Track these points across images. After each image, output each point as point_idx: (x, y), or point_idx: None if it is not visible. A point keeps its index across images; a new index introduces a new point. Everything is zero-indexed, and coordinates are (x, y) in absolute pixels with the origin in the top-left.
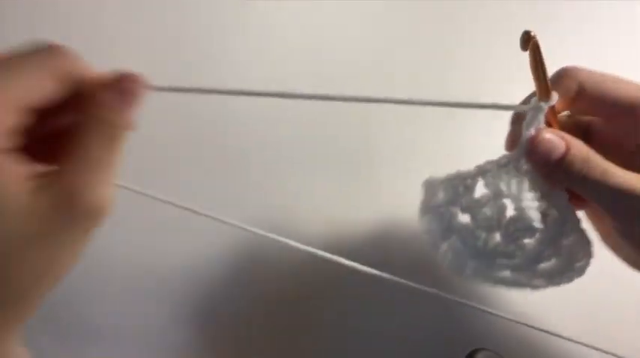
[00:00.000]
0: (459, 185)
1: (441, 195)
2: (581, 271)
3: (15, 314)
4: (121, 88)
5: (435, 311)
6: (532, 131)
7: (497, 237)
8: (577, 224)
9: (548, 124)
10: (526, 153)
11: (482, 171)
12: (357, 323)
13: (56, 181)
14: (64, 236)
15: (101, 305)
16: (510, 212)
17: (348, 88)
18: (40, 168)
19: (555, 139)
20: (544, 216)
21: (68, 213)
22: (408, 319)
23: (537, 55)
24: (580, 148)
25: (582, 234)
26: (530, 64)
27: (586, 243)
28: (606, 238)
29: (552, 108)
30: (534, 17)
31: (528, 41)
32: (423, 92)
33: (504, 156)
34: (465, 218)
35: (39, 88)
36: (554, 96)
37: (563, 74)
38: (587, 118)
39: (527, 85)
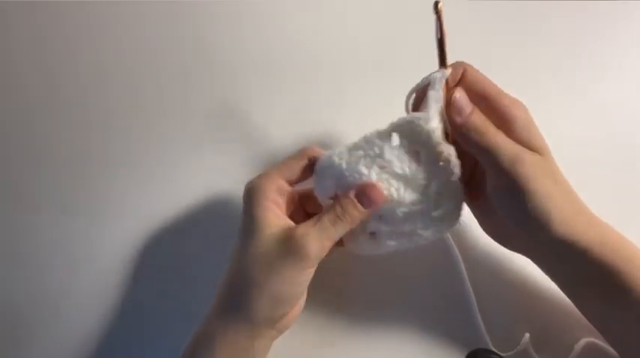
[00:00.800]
0: (375, 138)
1: (360, 150)
2: (449, 227)
3: (258, 328)
4: (363, 195)
5: (435, 311)
6: (434, 92)
7: (404, 189)
8: (459, 183)
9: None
10: (445, 107)
11: (397, 126)
12: (356, 322)
13: (294, 229)
14: (279, 262)
15: None
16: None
17: None
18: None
19: (466, 100)
20: (440, 163)
21: (285, 245)
22: (408, 319)
23: (441, 29)
24: (479, 112)
25: (460, 188)
26: (435, 37)
27: (460, 198)
28: (487, 224)
29: (446, 81)
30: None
31: (437, 10)
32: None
33: (416, 114)
34: (382, 163)
35: (294, 166)
36: (449, 70)
37: (456, 63)
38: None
39: None
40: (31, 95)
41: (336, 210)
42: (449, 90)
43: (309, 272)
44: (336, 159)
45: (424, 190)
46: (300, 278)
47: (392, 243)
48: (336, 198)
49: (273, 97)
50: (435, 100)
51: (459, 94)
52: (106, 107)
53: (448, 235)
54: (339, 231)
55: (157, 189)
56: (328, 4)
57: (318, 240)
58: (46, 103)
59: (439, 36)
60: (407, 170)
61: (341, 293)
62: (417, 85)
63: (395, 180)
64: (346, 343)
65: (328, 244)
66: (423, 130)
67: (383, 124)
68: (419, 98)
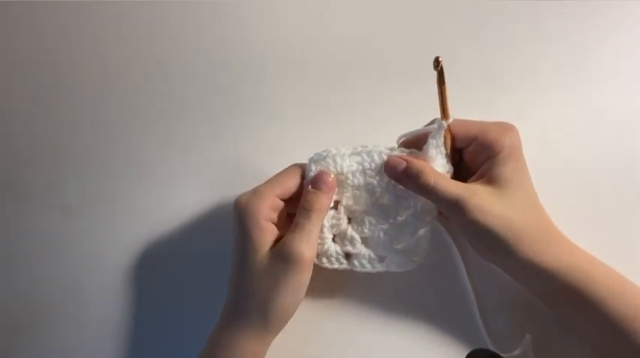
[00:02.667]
0: (374, 154)
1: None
2: (411, 264)
3: (269, 335)
4: (316, 182)
5: (435, 311)
6: (434, 141)
7: (387, 198)
8: (431, 220)
9: (446, 137)
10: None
11: (393, 154)
12: (356, 322)
13: (281, 241)
14: (282, 274)
15: None
16: (400, 187)
17: None
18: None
19: (397, 159)
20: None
21: (281, 258)
22: (408, 319)
23: (442, 84)
24: (416, 164)
25: (427, 236)
26: (438, 91)
27: (425, 245)
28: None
29: (449, 127)
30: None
31: (437, 66)
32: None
33: (411, 151)
34: (368, 181)
35: (288, 184)
36: (451, 119)
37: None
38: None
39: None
40: (36, 96)
41: (303, 206)
42: (452, 137)
43: (308, 274)
44: (330, 162)
45: (394, 212)
46: (302, 282)
47: (362, 263)
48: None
49: (275, 98)
50: (435, 147)
51: (392, 157)
52: (112, 108)
53: (448, 235)
54: (314, 224)
55: (161, 189)
56: (332, 5)
57: (302, 240)
58: (51, 105)
59: (440, 89)
60: (388, 188)
61: (340, 294)
62: (416, 130)
63: (376, 192)
64: (346, 343)
65: (313, 239)
66: None
67: (384, 128)
68: (412, 141)
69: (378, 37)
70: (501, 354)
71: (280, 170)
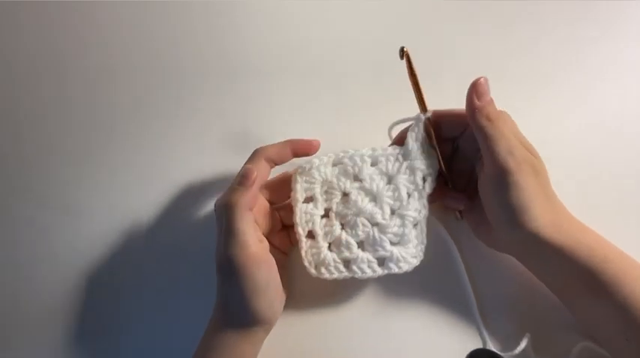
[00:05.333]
0: (356, 157)
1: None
2: (411, 264)
3: (257, 334)
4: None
5: (435, 311)
6: (413, 134)
7: (373, 204)
8: (424, 217)
9: (428, 129)
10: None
11: (375, 154)
12: (356, 322)
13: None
14: (244, 274)
15: None
16: (387, 186)
17: None
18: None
19: (487, 87)
20: (408, 195)
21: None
22: (408, 319)
23: (413, 75)
24: (494, 104)
25: (423, 231)
26: (410, 83)
27: (422, 240)
28: (479, 231)
29: (429, 119)
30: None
31: (403, 55)
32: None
33: (394, 148)
34: (355, 184)
35: (264, 170)
36: (429, 112)
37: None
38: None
39: None
40: (37, 97)
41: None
42: (434, 128)
43: (268, 268)
44: (315, 173)
45: (387, 198)
46: (269, 277)
47: (362, 267)
48: None
49: (272, 99)
50: (414, 140)
51: (484, 79)
52: (112, 109)
53: (448, 235)
54: (239, 220)
55: (161, 189)
56: (327, 6)
57: (227, 206)
58: (51, 105)
59: (412, 81)
60: (375, 188)
61: (339, 294)
62: (400, 120)
63: (364, 193)
64: (346, 343)
65: (245, 236)
66: (401, 164)
67: (378, 126)
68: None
69: (378, 36)
70: (501, 354)
71: (278, 172)
